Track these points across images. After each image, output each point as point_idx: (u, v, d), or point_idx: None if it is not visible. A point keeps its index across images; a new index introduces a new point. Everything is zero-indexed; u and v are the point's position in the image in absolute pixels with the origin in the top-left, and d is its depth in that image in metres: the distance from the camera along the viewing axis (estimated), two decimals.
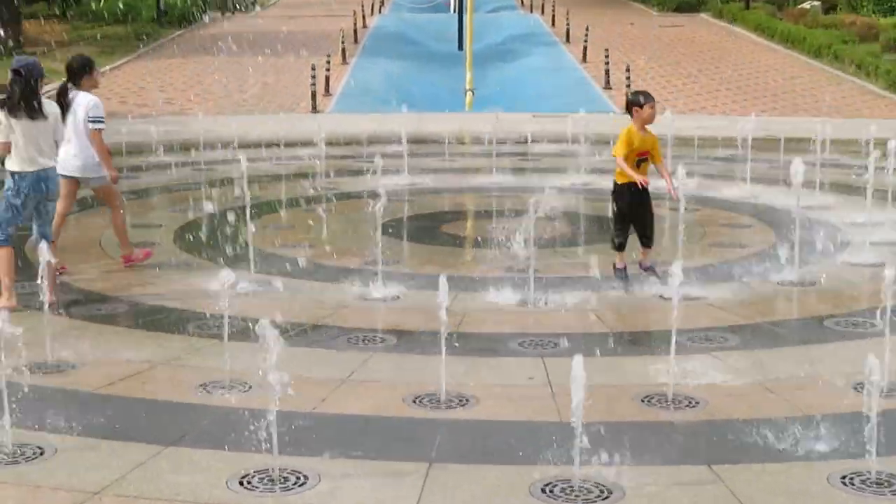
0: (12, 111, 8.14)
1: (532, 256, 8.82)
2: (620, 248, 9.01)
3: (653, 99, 8.92)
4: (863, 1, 35.43)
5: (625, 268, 9.01)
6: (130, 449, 5.47)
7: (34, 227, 8.46)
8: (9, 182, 8.31)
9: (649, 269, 8.97)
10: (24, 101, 8.12)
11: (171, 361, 7.00)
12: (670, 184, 8.96)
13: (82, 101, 9.28)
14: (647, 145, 8.89)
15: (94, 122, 9.25)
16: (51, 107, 8.37)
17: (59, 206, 9.14)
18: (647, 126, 8.88)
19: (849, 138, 17.17)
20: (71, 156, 9.30)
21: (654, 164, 8.98)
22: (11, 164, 8.28)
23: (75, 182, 9.53)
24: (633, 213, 8.90)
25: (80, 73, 9.37)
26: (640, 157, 8.87)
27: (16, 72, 8.14)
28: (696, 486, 5.10)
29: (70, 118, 9.18)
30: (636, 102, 8.90)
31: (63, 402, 6.14)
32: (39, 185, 8.19)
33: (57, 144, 8.48)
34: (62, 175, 9.12)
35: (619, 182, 8.91)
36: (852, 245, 10.58)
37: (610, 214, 9.27)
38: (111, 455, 5.40)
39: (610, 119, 18.84)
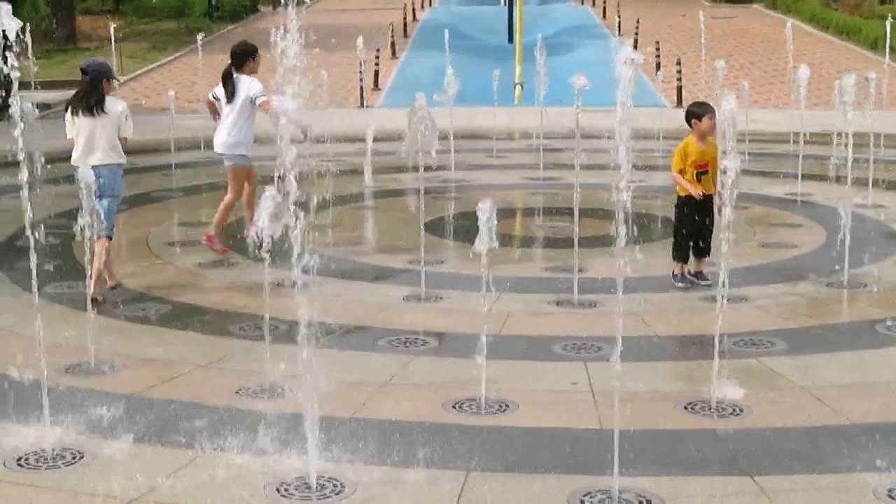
0: (74, 109, 8.57)
1: (578, 256, 8.74)
2: (682, 259, 8.89)
3: (712, 110, 8.74)
4: None
5: (683, 274, 8.89)
6: (169, 454, 5.48)
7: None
8: None
9: (698, 275, 8.87)
10: (85, 99, 8.51)
11: (211, 364, 7.01)
12: (718, 200, 8.85)
13: (244, 83, 9.94)
14: (708, 157, 8.71)
15: (259, 97, 9.82)
16: (114, 105, 8.63)
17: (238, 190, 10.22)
18: (707, 137, 8.73)
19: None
20: (217, 134, 10.11)
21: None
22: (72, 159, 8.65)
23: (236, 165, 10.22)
24: (693, 224, 8.76)
25: (243, 58, 10.03)
26: (700, 170, 8.71)
27: (83, 71, 8.60)
28: (738, 498, 5.00)
29: (234, 100, 9.97)
30: (695, 114, 8.74)
31: (103, 404, 6.16)
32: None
33: (122, 141, 8.70)
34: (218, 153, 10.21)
35: (680, 195, 8.79)
36: None
37: (673, 223, 9.09)
38: (150, 460, 5.40)
39: (660, 114, 18.63)
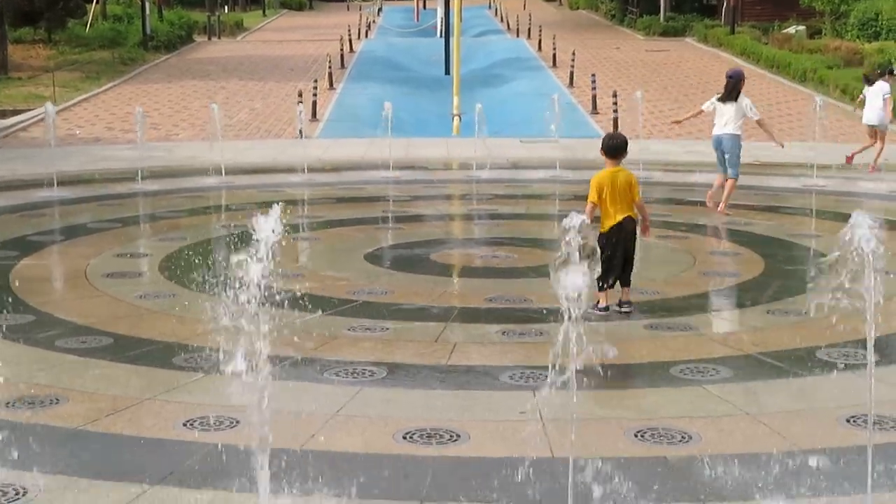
0: (720, 98, 13.55)
1: (523, 285, 8.77)
2: (603, 288, 8.88)
3: (615, 153, 8.97)
4: (847, 26, 35.60)
5: (607, 307, 8.87)
6: (114, 489, 5.36)
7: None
8: None
9: (626, 304, 8.88)
10: (726, 92, 13.40)
11: (156, 397, 6.88)
12: (646, 223, 9.01)
13: (880, 88, 17.37)
14: (619, 182, 8.82)
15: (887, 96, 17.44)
16: (743, 100, 13.41)
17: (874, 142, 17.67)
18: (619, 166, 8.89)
19: (835, 163, 17.22)
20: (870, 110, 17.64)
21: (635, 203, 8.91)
22: None
23: (874, 128, 17.61)
24: (614, 252, 8.80)
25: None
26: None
27: (728, 76, 13.64)
28: None
29: None
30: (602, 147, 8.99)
31: (47, 438, 6.03)
32: (719, 143, 13.56)
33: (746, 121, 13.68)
34: (868, 124, 17.78)
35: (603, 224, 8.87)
36: (845, 273, 10.52)
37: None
38: (95, 495, 5.29)
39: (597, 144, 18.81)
